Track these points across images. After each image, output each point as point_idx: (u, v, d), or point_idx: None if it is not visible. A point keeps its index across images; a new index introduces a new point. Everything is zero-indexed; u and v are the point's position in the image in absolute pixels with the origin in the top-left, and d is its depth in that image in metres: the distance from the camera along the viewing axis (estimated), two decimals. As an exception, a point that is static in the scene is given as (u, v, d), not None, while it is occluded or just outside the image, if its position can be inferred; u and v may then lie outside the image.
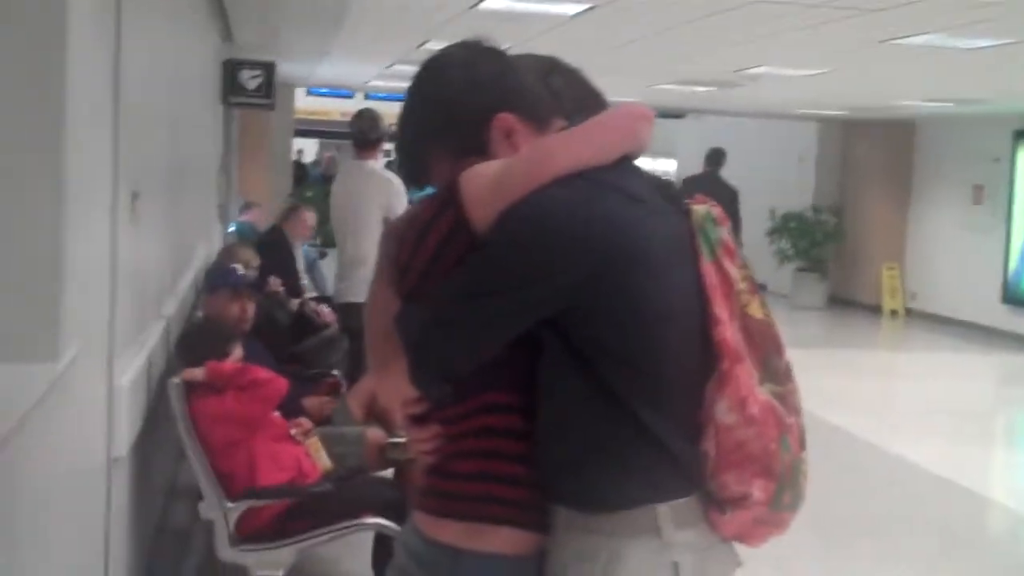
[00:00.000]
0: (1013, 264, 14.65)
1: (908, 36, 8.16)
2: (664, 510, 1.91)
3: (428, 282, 1.97)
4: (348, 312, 6.92)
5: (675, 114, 18.83)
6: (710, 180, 13.00)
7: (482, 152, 2.01)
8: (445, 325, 1.90)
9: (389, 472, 5.02)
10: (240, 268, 5.78)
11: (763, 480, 1.92)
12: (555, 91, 2.11)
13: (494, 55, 2.09)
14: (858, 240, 17.13)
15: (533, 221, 1.87)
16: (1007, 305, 14.68)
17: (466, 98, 2.04)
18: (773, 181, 17.98)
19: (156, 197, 4.88)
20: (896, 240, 16.99)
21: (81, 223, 2.84)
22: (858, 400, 10.01)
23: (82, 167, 2.83)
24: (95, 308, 3.35)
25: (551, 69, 2.14)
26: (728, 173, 13.30)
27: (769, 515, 1.97)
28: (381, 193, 7.16)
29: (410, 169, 2.13)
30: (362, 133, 7.36)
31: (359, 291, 7.15)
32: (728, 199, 12.76)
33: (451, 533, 2.00)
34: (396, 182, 7.13)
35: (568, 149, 1.94)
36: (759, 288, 2.04)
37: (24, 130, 2.45)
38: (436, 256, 1.96)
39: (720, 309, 1.94)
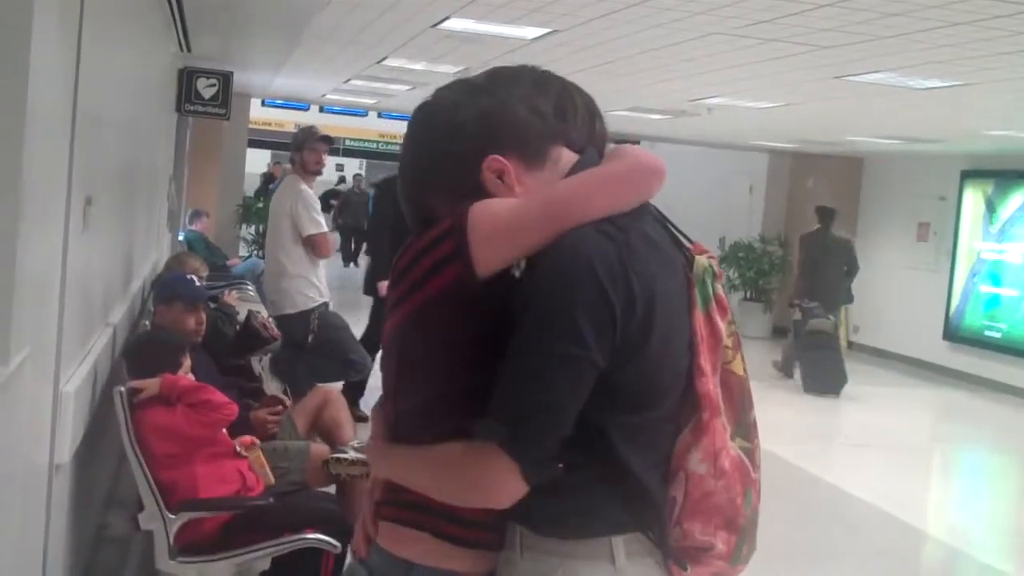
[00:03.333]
0: (956, 302, 14.86)
1: (861, 73, 8.28)
2: (619, 541, 1.93)
3: (412, 297, 1.95)
4: (282, 324, 6.96)
5: (629, 141, 18.92)
6: (823, 236, 13.07)
7: (480, 195, 1.97)
8: (540, 411, 1.83)
9: (331, 488, 5.01)
10: (196, 279, 5.75)
11: (726, 533, 1.95)
12: (561, 110, 2.05)
13: (481, 93, 2.03)
14: (803, 273, 17.31)
15: (584, 266, 1.82)
16: (948, 342, 14.88)
17: (452, 145, 2.00)
18: (723, 210, 18.14)
19: (108, 204, 4.86)
20: (843, 274, 17.15)
21: (35, 228, 2.83)
22: (799, 430, 10.09)
23: (39, 173, 2.83)
24: (44, 313, 3.33)
25: (554, 90, 2.07)
26: (679, 201, 13.33)
27: (727, 569, 2.00)
28: (288, 202, 7.25)
29: (411, 215, 2.09)
30: (292, 148, 7.57)
31: (284, 302, 7.22)
32: (846, 251, 13.12)
33: (409, 547, 2.00)
34: (305, 193, 7.23)
35: (587, 199, 1.91)
36: (740, 345, 2.05)
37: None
38: (421, 280, 1.94)
39: (705, 362, 1.96)
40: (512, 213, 1.91)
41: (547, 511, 1.91)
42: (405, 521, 2.01)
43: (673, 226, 2.07)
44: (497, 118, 2.00)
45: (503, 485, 1.84)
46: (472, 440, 1.85)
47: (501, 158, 1.98)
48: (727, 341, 2.01)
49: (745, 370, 2.05)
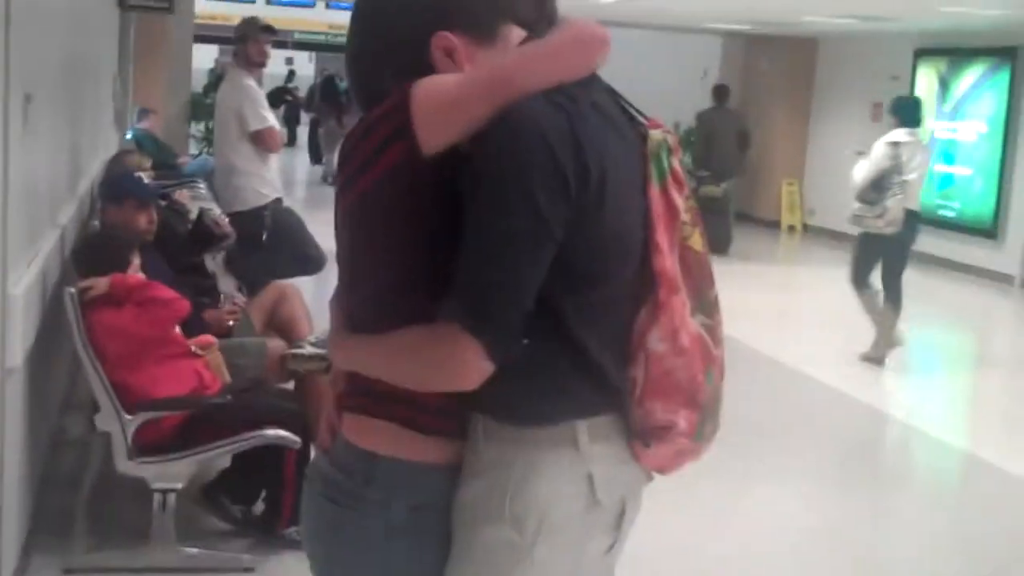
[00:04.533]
0: (909, 181, 14.91)
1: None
2: (583, 425, 1.92)
3: (359, 180, 1.91)
4: (234, 221, 6.89)
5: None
6: (720, 113, 14.86)
7: (428, 72, 1.92)
8: (502, 288, 1.79)
9: (290, 384, 5.00)
10: (145, 177, 5.66)
11: (687, 410, 1.94)
12: None
13: None
14: (759, 156, 17.29)
15: (536, 136, 1.78)
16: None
17: (401, 20, 1.97)
18: (677, 96, 18.00)
19: (50, 101, 4.75)
20: (796, 157, 17.19)
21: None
22: (756, 313, 10.14)
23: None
24: (-14, 215, 3.26)
25: None
26: (633, 88, 13.23)
27: (690, 445, 1.99)
28: (233, 100, 7.14)
29: (360, 94, 2.05)
30: (234, 41, 7.42)
31: (235, 200, 7.15)
32: (738, 126, 14.85)
33: (373, 438, 1.98)
34: (249, 88, 7.12)
35: (532, 69, 1.87)
36: (700, 221, 2.02)
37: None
38: (370, 158, 1.89)
39: (662, 238, 1.93)
40: (457, 87, 1.86)
41: (506, 397, 1.88)
42: (369, 411, 1.99)
43: (625, 100, 2.03)
44: None
45: (469, 365, 1.81)
46: (435, 322, 1.81)
47: (450, 35, 1.93)
48: (685, 217, 1.97)
49: (704, 245, 2.02)
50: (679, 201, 1.97)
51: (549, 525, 1.90)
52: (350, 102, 20.68)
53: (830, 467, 6.44)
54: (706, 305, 2.00)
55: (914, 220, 8.64)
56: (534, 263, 1.80)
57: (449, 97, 1.85)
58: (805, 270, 12.43)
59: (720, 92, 15.16)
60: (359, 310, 1.99)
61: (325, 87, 22.74)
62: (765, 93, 17.51)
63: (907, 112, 8.72)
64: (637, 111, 2.03)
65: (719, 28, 17.05)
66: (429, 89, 1.86)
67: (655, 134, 1.98)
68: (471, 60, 1.94)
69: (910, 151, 8.49)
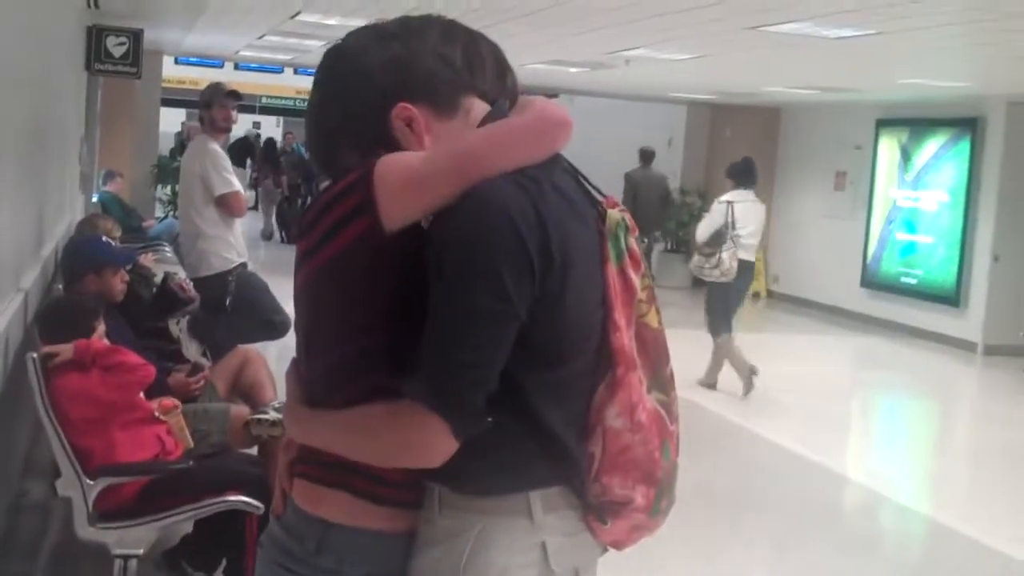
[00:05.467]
0: (872, 249, 15.06)
1: (776, 24, 8.31)
2: (537, 496, 1.92)
3: (318, 253, 1.91)
4: (199, 286, 6.88)
5: (547, 94, 18.90)
6: (646, 175, 16.01)
7: (387, 143, 1.94)
8: (468, 368, 1.79)
9: (254, 450, 4.97)
10: (113, 243, 5.66)
11: (644, 486, 1.95)
12: (469, 62, 2.00)
13: (391, 39, 1.99)
14: (724, 223, 17.44)
15: (503, 216, 1.78)
16: (865, 289, 15.10)
17: (359, 91, 1.97)
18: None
19: (14, 164, 4.75)
20: (761, 224, 17.32)
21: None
22: (721, 379, 10.17)
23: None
24: (-51, 279, 3.25)
25: (461, 40, 2.02)
26: (600, 154, 13.44)
27: (646, 521, 2.00)
28: (198, 165, 7.14)
29: (319, 163, 2.06)
30: (200, 106, 7.43)
31: (201, 265, 7.13)
32: (660, 186, 16.12)
33: (325, 506, 1.97)
34: (215, 153, 7.13)
35: (495, 151, 1.87)
36: (655, 298, 2.04)
37: None
38: (331, 232, 1.89)
39: (619, 316, 1.93)
40: (422, 164, 1.87)
41: (465, 469, 1.88)
42: (320, 480, 1.98)
43: (585, 179, 2.04)
44: (406, 65, 1.96)
45: (434, 445, 1.81)
46: (396, 400, 1.81)
47: (410, 106, 1.94)
48: (641, 295, 1.99)
49: (660, 323, 2.03)
50: (635, 280, 1.98)
51: None
52: (287, 165, 21.47)
53: (794, 533, 6.44)
54: (661, 382, 2.02)
55: (746, 270, 9.64)
56: (499, 343, 1.80)
57: (414, 175, 1.85)
58: (769, 337, 12.47)
59: (645, 155, 16.16)
60: (316, 381, 1.99)
61: (266, 148, 23.10)
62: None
63: (741, 174, 9.90)
64: (595, 188, 2.04)
65: (682, 98, 17.24)
66: (392, 166, 1.86)
67: (613, 214, 1.99)
68: (431, 131, 1.95)
69: (742, 209, 9.58)
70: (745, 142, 17.18)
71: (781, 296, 16.60)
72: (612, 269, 1.95)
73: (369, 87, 1.96)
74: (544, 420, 1.89)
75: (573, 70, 13.35)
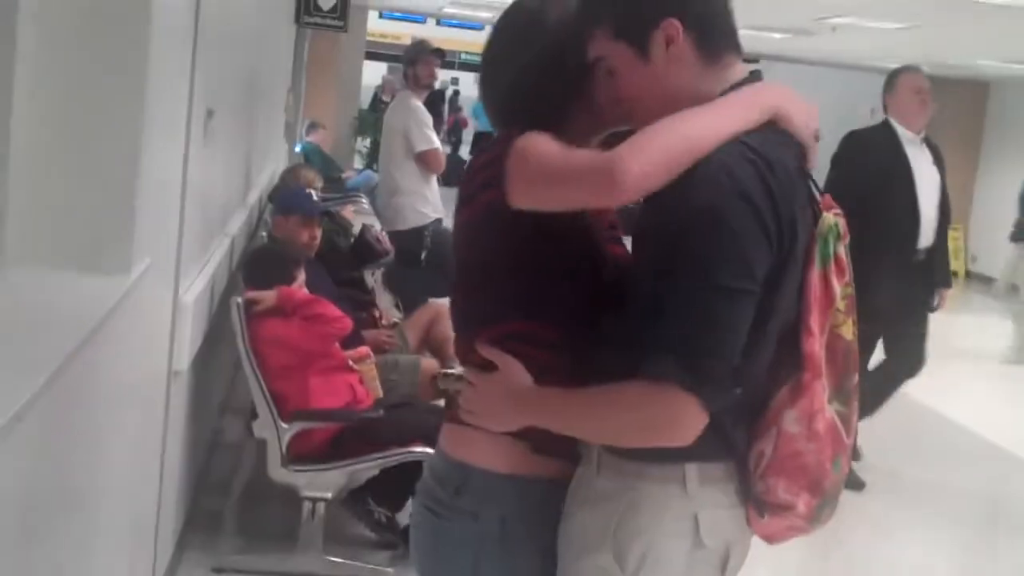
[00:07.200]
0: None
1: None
2: (693, 468, 1.91)
3: (465, 208, 2.02)
4: (395, 239, 7.01)
5: (749, 59, 18.55)
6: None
7: (583, 80, 1.96)
8: (718, 345, 1.77)
9: (441, 402, 5.06)
10: (314, 194, 5.81)
11: (809, 495, 1.92)
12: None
13: None
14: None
15: (741, 194, 1.76)
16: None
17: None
18: (841, 132, 17.74)
19: (229, 115, 4.91)
20: (962, 202, 16.74)
21: (157, 140, 2.87)
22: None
23: (162, 85, 2.86)
24: (165, 224, 3.39)
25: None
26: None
27: (804, 526, 1.98)
28: (400, 120, 7.24)
29: (491, 106, 2.11)
30: (404, 63, 7.52)
31: (397, 219, 7.25)
32: None
33: (465, 448, 2.03)
34: (417, 109, 7.20)
35: (728, 124, 1.83)
36: (854, 310, 1.99)
37: (109, 49, 2.45)
38: (475, 192, 1.98)
39: (814, 321, 1.89)
40: (563, 160, 1.87)
41: None
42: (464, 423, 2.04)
43: (810, 176, 1.98)
44: None
45: (690, 423, 1.80)
46: (640, 379, 1.78)
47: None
48: (840, 304, 1.94)
49: (854, 334, 1.98)
50: (837, 288, 1.93)
51: (652, 560, 1.90)
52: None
53: (973, 517, 6.27)
54: (844, 393, 1.97)
55: None
56: (746, 319, 1.79)
57: (554, 172, 1.87)
58: (967, 318, 12.08)
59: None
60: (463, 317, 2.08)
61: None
62: (933, 135, 17.09)
63: None
64: (817, 187, 1.99)
65: (887, 68, 16.74)
66: (530, 152, 1.89)
67: (827, 217, 1.93)
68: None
69: None
70: (950, 116, 16.63)
71: (979, 276, 16.09)
72: (815, 272, 1.90)
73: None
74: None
75: (776, 36, 13.08)
